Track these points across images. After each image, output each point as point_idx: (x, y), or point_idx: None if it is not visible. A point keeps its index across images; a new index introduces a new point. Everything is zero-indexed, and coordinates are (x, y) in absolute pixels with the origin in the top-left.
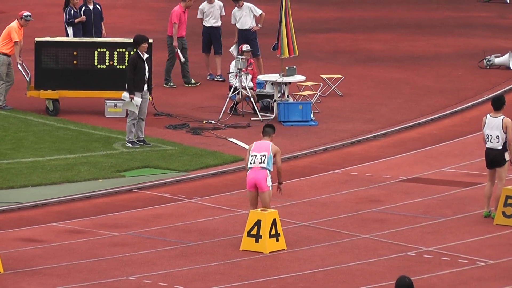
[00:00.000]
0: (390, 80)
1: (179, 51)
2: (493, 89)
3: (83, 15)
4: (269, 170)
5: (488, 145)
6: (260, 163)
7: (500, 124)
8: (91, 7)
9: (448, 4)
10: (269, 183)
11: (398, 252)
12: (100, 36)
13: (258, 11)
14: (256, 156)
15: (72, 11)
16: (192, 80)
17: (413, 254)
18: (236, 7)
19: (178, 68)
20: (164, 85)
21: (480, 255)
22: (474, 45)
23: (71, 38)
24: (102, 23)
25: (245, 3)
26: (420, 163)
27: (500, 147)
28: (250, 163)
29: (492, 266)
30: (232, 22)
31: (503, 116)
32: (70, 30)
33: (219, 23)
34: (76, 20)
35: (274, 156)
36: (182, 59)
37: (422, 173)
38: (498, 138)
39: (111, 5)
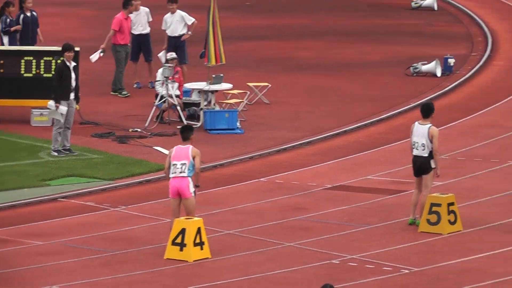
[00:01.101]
0: (317, 87)
1: (100, 53)
2: (420, 97)
3: (23, 22)
4: (190, 177)
5: (415, 152)
6: (181, 172)
7: (426, 132)
8: (29, 14)
9: (376, 12)
10: (192, 189)
11: (322, 260)
12: (37, 44)
13: (191, 20)
14: (176, 165)
15: (8, 20)
16: (122, 91)
17: (338, 262)
18: (168, 13)
19: (112, 76)
20: (118, 94)
21: (404, 262)
22: (401, 53)
23: None
24: (38, 30)
25: (178, 11)
26: (346, 171)
27: (426, 155)
28: (172, 173)
29: (416, 274)
30: (163, 28)
31: (431, 125)
32: (6, 39)
33: (147, 30)
34: (12, 29)
35: (194, 158)
36: (94, 58)
37: (348, 180)
38: (424, 146)
39: (39, 13)
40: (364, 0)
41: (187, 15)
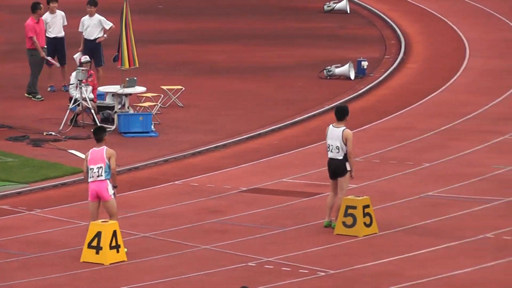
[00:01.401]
0: (232, 91)
1: (51, 59)
2: (334, 99)
3: None
4: (108, 179)
5: (330, 155)
6: (98, 176)
7: (340, 135)
8: None
9: (290, 15)
10: (111, 191)
11: (238, 263)
12: None
13: (109, 24)
14: (93, 169)
15: None
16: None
17: (254, 265)
18: (87, 15)
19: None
20: (32, 98)
21: (320, 265)
22: (315, 56)
23: None
24: None
25: (97, 14)
26: (261, 174)
27: (341, 157)
28: (90, 177)
29: (332, 276)
30: (79, 29)
31: (344, 128)
32: None
33: (62, 34)
34: None
35: (109, 159)
36: (58, 64)
37: (263, 183)
38: (338, 149)
39: None
40: (277, 3)
41: (105, 19)
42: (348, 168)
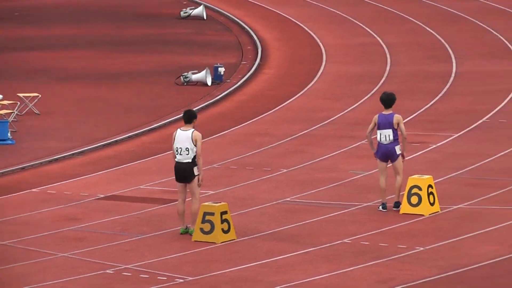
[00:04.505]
0: (87, 97)
1: None
2: (191, 106)
3: None
4: None
5: (178, 158)
6: None
7: (190, 136)
8: None
9: (145, 21)
10: None
11: (97, 270)
12: None
13: None
14: None
15: None
16: None
17: (112, 272)
18: None
19: None
20: None
21: (179, 271)
22: (171, 62)
23: None
24: None
25: None
26: (118, 181)
27: (190, 160)
28: None
29: (191, 283)
30: None
31: (193, 130)
32: None
33: None
34: None
35: None
36: None
37: (120, 190)
38: (188, 150)
39: None
40: (132, 10)
41: None
42: (196, 172)
